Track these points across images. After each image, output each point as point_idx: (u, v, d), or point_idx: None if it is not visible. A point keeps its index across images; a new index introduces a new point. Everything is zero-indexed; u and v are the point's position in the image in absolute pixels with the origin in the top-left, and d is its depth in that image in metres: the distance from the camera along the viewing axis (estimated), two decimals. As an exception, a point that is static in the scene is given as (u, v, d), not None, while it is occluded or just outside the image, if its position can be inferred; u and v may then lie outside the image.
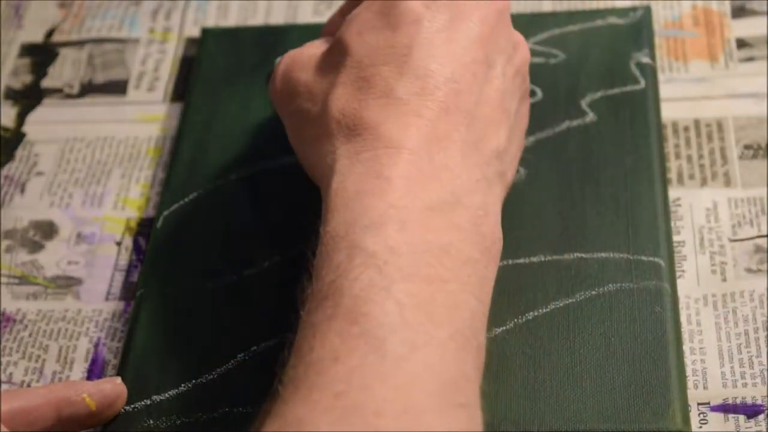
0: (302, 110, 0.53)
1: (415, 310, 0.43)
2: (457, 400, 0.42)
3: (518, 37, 0.55)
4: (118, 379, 0.52)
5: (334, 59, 0.52)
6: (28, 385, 0.56)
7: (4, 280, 0.60)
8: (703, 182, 0.59)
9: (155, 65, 0.69)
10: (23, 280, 0.60)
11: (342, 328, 0.43)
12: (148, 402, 0.53)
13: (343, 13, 0.57)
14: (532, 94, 0.62)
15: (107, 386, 0.52)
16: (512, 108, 0.53)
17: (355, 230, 0.46)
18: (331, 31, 0.57)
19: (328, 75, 0.52)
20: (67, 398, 0.50)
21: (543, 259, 0.55)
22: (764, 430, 0.50)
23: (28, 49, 0.72)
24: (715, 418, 0.51)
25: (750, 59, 0.64)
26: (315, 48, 0.55)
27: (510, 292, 0.54)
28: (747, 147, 0.60)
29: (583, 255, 0.55)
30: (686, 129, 0.62)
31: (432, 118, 0.49)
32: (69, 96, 0.69)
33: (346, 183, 0.48)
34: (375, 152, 0.48)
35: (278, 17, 0.70)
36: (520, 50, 0.55)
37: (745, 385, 0.52)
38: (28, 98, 0.69)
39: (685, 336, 0.54)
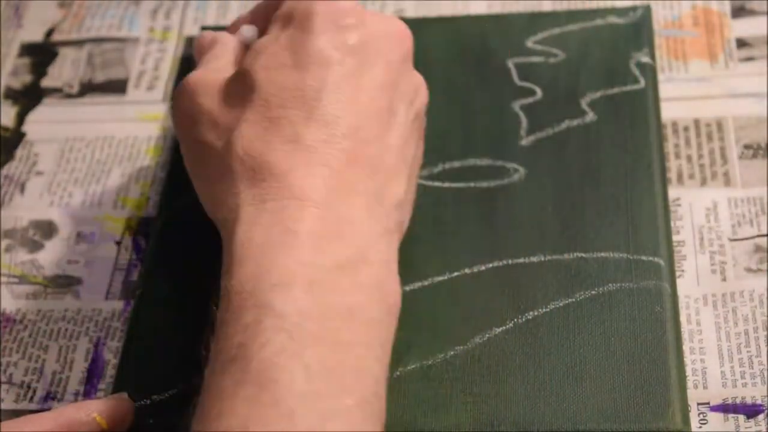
0: (204, 141, 0.51)
1: (324, 376, 0.43)
2: None
3: (418, 79, 0.54)
4: (125, 395, 0.52)
5: (240, 91, 0.51)
6: (28, 386, 0.56)
7: (3, 279, 0.60)
8: (703, 182, 0.59)
9: (155, 64, 0.69)
10: (23, 279, 0.60)
11: (251, 396, 0.42)
12: (148, 402, 0.53)
13: (253, 15, 0.57)
14: (532, 93, 0.62)
15: (116, 403, 0.51)
16: (410, 155, 0.53)
17: (262, 287, 0.44)
18: (235, 31, 0.57)
19: (234, 108, 0.51)
20: (78, 420, 0.49)
21: (543, 259, 0.55)
22: (764, 430, 0.50)
23: (27, 49, 0.72)
24: (715, 417, 0.51)
25: (750, 59, 0.64)
26: (219, 71, 0.53)
27: (510, 292, 0.54)
28: (747, 147, 0.60)
29: (583, 255, 0.55)
30: (686, 129, 0.62)
31: (338, 169, 0.48)
32: (69, 95, 0.69)
33: (252, 233, 0.46)
34: (281, 203, 0.47)
35: (278, 16, 0.70)
36: (421, 93, 0.54)
37: (745, 384, 0.52)
38: (27, 98, 0.69)
39: (685, 336, 0.54)
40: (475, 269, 0.55)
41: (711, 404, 0.52)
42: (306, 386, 0.42)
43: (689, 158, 0.60)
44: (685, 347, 0.53)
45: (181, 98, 0.53)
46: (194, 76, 0.53)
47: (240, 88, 0.51)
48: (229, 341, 0.44)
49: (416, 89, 0.54)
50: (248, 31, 0.56)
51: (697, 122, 0.62)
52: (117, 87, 0.69)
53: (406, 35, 0.54)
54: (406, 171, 0.52)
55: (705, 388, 0.52)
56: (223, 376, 0.43)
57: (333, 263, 0.46)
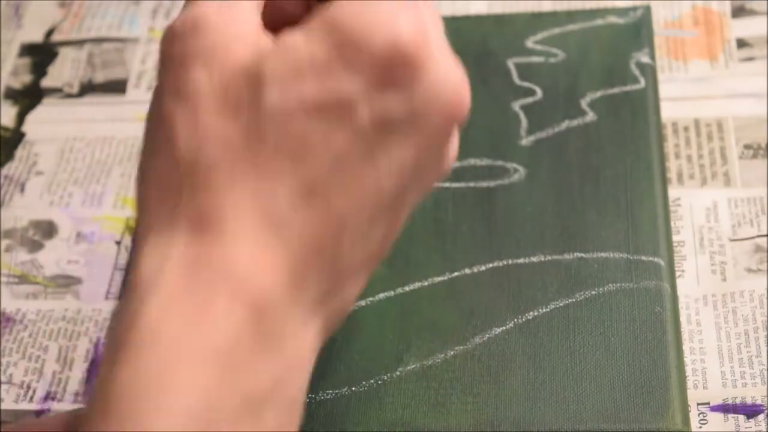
0: (172, 127, 0.38)
1: None
2: None
3: None
4: None
5: (241, 94, 0.37)
6: (28, 386, 0.56)
7: (3, 279, 0.60)
8: (703, 182, 0.59)
9: (155, 64, 0.69)
10: (23, 279, 0.60)
11: None
12: (148, 402, 0.53)
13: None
14: (532, 93, 0.62)
15: None
16: (380, 254, 0.41)
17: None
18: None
19: (225, 112, 0.37)
20: None
21: (543, 259, 0.55)
22: (764, 430, 0.50)
23: (27, 49, 0.72)
24: (715, 418, 0.51)
25: (750, 59, 0.64)
26: (238, 30, 0.38)
27: (510, 292, 0.54)
28: (747, 147, 0.60)
29: (583, 255, 0.55)
30: (686, 129, 0.62)
31: (300, 258, 0.37)
32: (69, 95, 0.69)
33: (166, 328, 0.35)
34: (217, 286, 0.35)
35: (278, 16, 0.70)
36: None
37: (745, 385, 0.52)
38: (27, 98, 0.69)
39: (685, 336, 0.54)
40: (475, 269, 0.55)
41: (711, 404, 0.52)
42: None
43: (689, 158, 0.60)
44: (685, 347, 0.53)
45: (182, 60, 0.39)
46: (208, 32, 0.39)
47: (243, 92, 0.37)
48: None
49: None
50: None
51: (697, 122, 0.62)
52: (117, 87, 0.69)
53: None
54: (368, 272, 0.40)
55: (705, 388, 0.52)
56: None
57: (241, 399, 0.34)
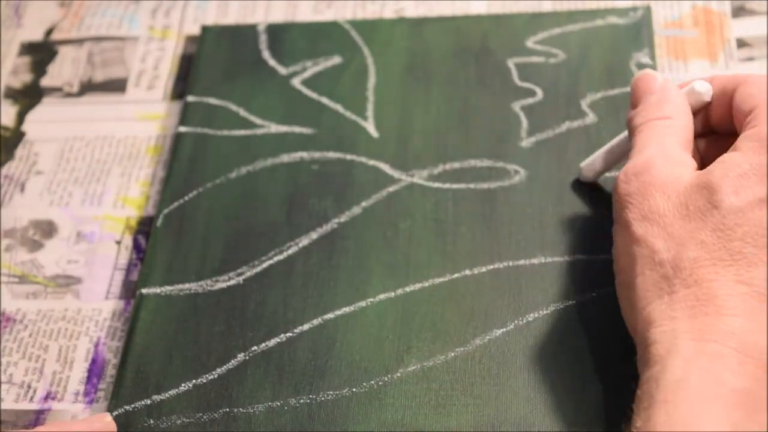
0: (648, 243, 0.47)
1: None
2: None
3: None
4: (108, 417, 0.52)
5: (700, 205, 0.47)
6: (28, 386, 0.56)
7: (4, 279, 0.61)
8: (703, 183, 0.59)
9: (155, 63, 0.69)
10: (23, 279, 0.60)
11: None
12: (148, 402, 0.53)
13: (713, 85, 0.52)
14: (533, 94, 0.62)
15: (98, 425, 0.51)
16: None
17: None
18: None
19: (690, 221, 0.47)
20: None
21: (543, 261, 0.55)
22: (764, 431, 0.50)
23: (27, 48, 0.72)
24: (715, 419, 0.51)
25: (750, 59, 0.64)
26: (679, 168, 0.49)
27: (510, 294, 0.54)
28: (747, 147, 0.60)
29: (584, 257, 0.55)
30: (686, 129, 0.62)
31: None
32: (69, 95, 0.69)
33: (689, 379, 0.43)
34: (722, 349, 0.44)
35: (278, 15, 0.70)
36: None
37: (744, 386, 0.52)
38: (27, 97, 0.69)
39: (685, 337, 0.54)
40: (476, 271, 0.55)
41: (711, 406, 0.51)
42: None
43: (689, 159, 0.60)
44: (685, 348, 0.53)
45: (632, 184, 0.49)
46: (658, 171, 0.49)
47: (701, 202, 0.47)
48: None
49: None
50: (702, 86, 0.52)
51: (697, 123, 0.62)
52: (117, 86, 0.69)
53: None
54: None
55: (705, 389, 0.52)
56: None
57: (761, 428, 0.43)
